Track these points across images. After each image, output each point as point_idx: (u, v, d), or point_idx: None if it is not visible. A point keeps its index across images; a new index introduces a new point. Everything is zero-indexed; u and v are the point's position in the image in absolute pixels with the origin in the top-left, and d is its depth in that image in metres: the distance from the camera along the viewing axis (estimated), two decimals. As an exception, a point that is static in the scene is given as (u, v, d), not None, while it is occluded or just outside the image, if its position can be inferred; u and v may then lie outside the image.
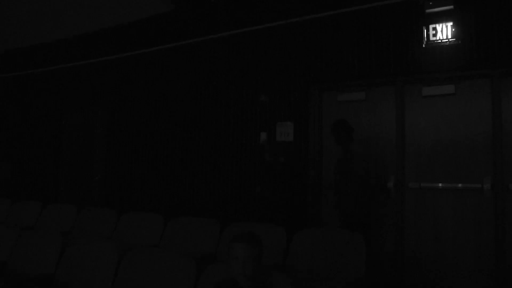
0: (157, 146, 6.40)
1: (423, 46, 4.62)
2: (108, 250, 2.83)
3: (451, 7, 4.50)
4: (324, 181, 5.07)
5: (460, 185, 4.50)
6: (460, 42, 4.46)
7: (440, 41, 4.56)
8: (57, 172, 7.50)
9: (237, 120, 5.72)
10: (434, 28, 4.59)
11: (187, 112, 6.17)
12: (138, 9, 6.31)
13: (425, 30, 4.62)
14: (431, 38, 4.60)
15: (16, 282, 2.76)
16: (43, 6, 6.39)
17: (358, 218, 4.26)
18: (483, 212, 4.38)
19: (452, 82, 4.63)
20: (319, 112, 5.32)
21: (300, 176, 5.20)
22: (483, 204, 4.39)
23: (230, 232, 3.31)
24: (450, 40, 4.51)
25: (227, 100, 5.83)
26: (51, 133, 7.63)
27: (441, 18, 4.56)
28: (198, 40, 6.16)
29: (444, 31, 4.55)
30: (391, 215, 4.74)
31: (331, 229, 3.35)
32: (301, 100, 5.30)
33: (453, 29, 4.50)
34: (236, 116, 5.73)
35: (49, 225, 4.72)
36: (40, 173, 7.62)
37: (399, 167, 4.74)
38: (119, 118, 6.85)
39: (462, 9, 4.48)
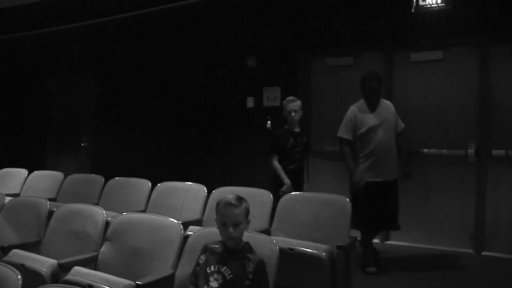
0: (146, 113, 6.32)
1: (412, 11, 4.56)
2: (95, 215, 2.83)
3: (442, -30, 4.42)
4: (313, 146, 5.04)
5: (445, 151, 4.55)
6: (449, 7, 4.41)
7: (429, 6, 4.50)
8: (44, 139, 7.39)
9: (224, 84, 5.67)
10: (424, -8, 4.53)
11: (175, 75, 6.08)
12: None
13: (414, -6, 4.56)
14: (421, 3, 4.53)
15: (2, 250, 2.75)
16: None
17: (397, 175, 3.87)
18: (466, 177, 4.46)
19: (441, 48, 4.61)
20: (307, 77, 5.28)
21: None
22: (466, 169, 4.46)
23: (216, 197, 3.32)
24: (440, 5, 4.45)
25: (214, 63, 5.75)
26: (36, 99, 7.46)
27: (431, -19, 4.49)
28: (187, 3, 5.98)
29: (434, -4, 4.49)
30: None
31: (317, 193, 3.37)
32: (289, 64, 5.24)
33: (443, -7, 4.44)
34: (223, 80, 5.68)
35: (35, 192, 4.68)
36: (26, 141, 7.50)
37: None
38: (109, 83, 6.71)
39: (453, -28, 4.41)
